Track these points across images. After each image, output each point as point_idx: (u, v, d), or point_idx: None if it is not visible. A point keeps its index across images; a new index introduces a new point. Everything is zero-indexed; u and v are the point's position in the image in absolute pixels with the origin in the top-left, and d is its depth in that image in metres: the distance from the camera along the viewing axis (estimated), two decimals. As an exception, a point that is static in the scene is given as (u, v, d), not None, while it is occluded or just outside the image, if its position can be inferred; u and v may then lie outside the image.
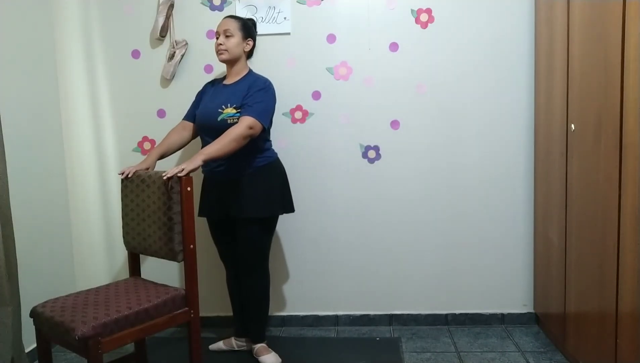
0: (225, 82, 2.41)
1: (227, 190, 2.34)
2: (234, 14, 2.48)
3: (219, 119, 2.27)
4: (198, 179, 2.37)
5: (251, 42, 2.39)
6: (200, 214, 2.44)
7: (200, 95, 2.49)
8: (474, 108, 2.70)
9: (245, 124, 2.18)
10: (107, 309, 1.87)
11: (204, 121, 2.35)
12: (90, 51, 2.76)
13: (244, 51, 2.37)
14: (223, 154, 2.16)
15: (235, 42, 2.32)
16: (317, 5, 2.69)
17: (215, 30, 2.38)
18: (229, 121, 2.24)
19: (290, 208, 2.46)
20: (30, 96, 2.54)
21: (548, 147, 2.49)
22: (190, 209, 2.05)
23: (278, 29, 2.69)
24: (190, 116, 2.47)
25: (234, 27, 2.32)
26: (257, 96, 2.26)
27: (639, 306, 1.72)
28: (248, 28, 2.37)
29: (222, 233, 2.46)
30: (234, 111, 2.26)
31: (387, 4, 2.68)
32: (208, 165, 2.32)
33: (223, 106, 2.28)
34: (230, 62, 2.36)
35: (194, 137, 2.46)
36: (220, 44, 2.31)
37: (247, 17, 2.49)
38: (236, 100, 2.28)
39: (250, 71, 2.41)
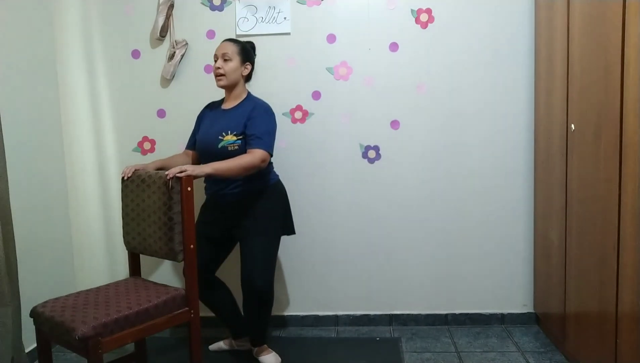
0: (224, 106, 2.38)
1: (230, 211, 2.32)
2: (233, 38, 2.45)
3: (219, 146, 2.24)
4: (198, 198, 2.28)
5: (249, 66, 2.36)
6: (197, 229, 2.33)
7: (199, 120, 2.45)
8: (474, 108, 2.70)
9: (259, 157, 2.17)
10: (107, 309, 1.87)
11: (204, 148, 2.32)
12: (90, 51, 2.76)
13: (242, 75, 2.35)
14: (230, 175, 2.17)
15: (233, 67, 2.29)
16: (317, 5, 2.69)
17: (214, 54, 2.34)
18: (229, 149, 2.23)
19: (291, 230, 2.46)
20: (30, 96, 2.54)
21: (548, 147, 2.49)
22: (191, 209, 2.05)
23: (278, 29, 2.69)
24: (191, 145, 2.45)
25: (232, 50, 2.29)
26: (262, 123, 2.23)
27: (639, 306, 1.72)
28: (247, 52, 2.35)
29: (214, 247, 2.40)
30: (234, 138, 2.24)
31: (387, 4, 2.68)
32: (211, 188, 2.33)
33: (223, 133, 2.25)
34: (229, 88, 2.34)
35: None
36: (219, 68, 2.28)
37: (247, 40, 2.44)
38: (236, 126, 2.25)
39: (249, 94, 2.39)
